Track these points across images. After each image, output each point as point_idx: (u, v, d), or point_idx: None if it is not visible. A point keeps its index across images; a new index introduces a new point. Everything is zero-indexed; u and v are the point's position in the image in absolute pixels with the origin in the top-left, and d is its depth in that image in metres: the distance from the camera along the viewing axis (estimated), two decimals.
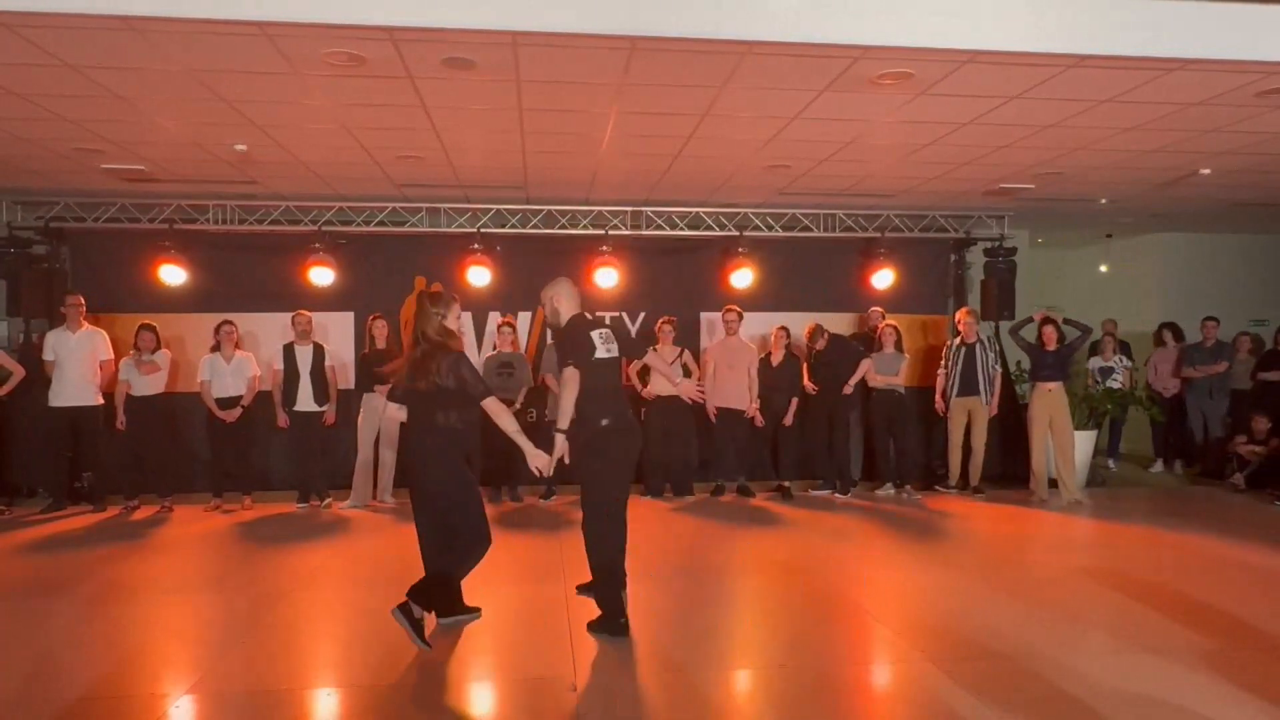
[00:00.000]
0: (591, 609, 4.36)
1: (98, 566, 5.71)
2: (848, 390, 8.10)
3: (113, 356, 7.66)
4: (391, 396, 4.29)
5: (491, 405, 4.13)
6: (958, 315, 8.44)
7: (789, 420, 8.20)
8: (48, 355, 7.54)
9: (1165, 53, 4.73)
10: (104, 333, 7.73)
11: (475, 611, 4.47)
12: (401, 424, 4.35)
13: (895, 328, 8.36)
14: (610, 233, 8.72)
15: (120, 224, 8.34)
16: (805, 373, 8.23)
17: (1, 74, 5.03)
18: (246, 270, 8.54)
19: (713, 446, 8.46)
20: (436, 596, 4.07)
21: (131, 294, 8.30)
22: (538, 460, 4.17)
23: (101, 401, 7.56)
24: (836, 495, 8.16)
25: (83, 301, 7.67)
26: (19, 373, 7.52)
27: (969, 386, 8.17)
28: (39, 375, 7.59)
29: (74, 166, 7.16)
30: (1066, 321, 8.24)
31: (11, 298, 8.17)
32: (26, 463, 7.98)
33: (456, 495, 4.15)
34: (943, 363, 8.37)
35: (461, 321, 4.13)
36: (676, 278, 9.05)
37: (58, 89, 5.28)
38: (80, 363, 7.49)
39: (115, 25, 4.32)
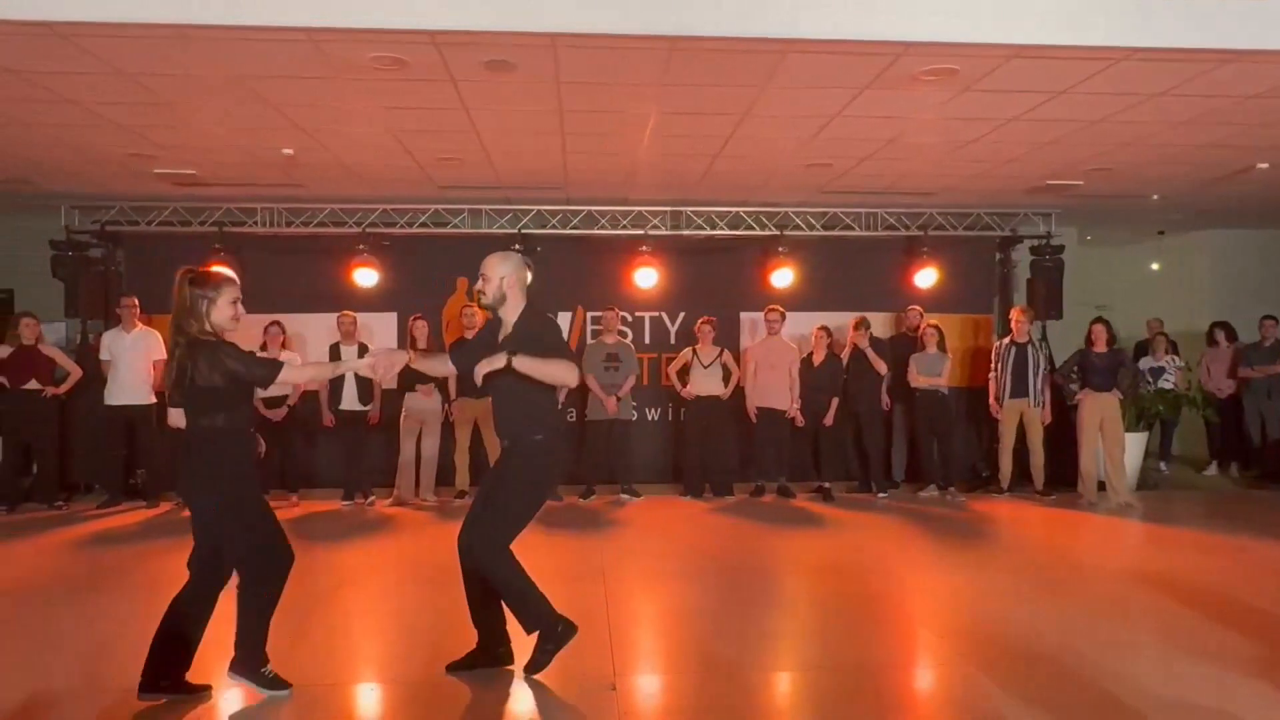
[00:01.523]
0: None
1: (151, 560, 5.86)
2: (828, 421, 8.07)
3: (165, 356, 7.84)
4: (171, 401, 3.62)
5: (288, 375, 3.50)
6: (1013, 313, 8.28)
7: (829, 420, 8.14)
8: (104, 355, 7.77)
9: (1218, 45, 4.60)
10: (157, 333, 7.92)
11: (283, 686, 3.48)
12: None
13: (937, 328, 8.24)
14: (650, 233, 8.72)
15: (172, 227, 8.55)
16: (876, 360, 8.13)
17: (60, 83, 5.19)
18: (293, 272, 8.70)
19: (753, 447, 8.43)
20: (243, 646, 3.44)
21: None
22: (382, 365, 3.61)
23: (155, 400, 7.76)
24: (880, 495, 8.08)
25: (137, 303, 7.88)
26: (76, 372, 7.77)
27: (1021, 388, 8.01)
28: (95, 374, 7.82)
29: (128, 172, 7.36)
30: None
31: (69, 299, 8.42)
32: (83, 459, 8.23)
33: (230, 522, 3.37)
34: (993, 364, 8.23)
35: (239, 308, 3.45)
36: (716, 278, 9.02)
37: (113, 96, 5.44)
38: (134, 362, 7.70)
39: (167, 33, 4.43)
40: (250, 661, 3.45)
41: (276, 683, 3.49)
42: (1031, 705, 3.39)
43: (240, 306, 3.48)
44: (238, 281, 3.54)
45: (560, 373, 3.56)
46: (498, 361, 3.47)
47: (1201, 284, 11.27)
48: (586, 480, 8.00)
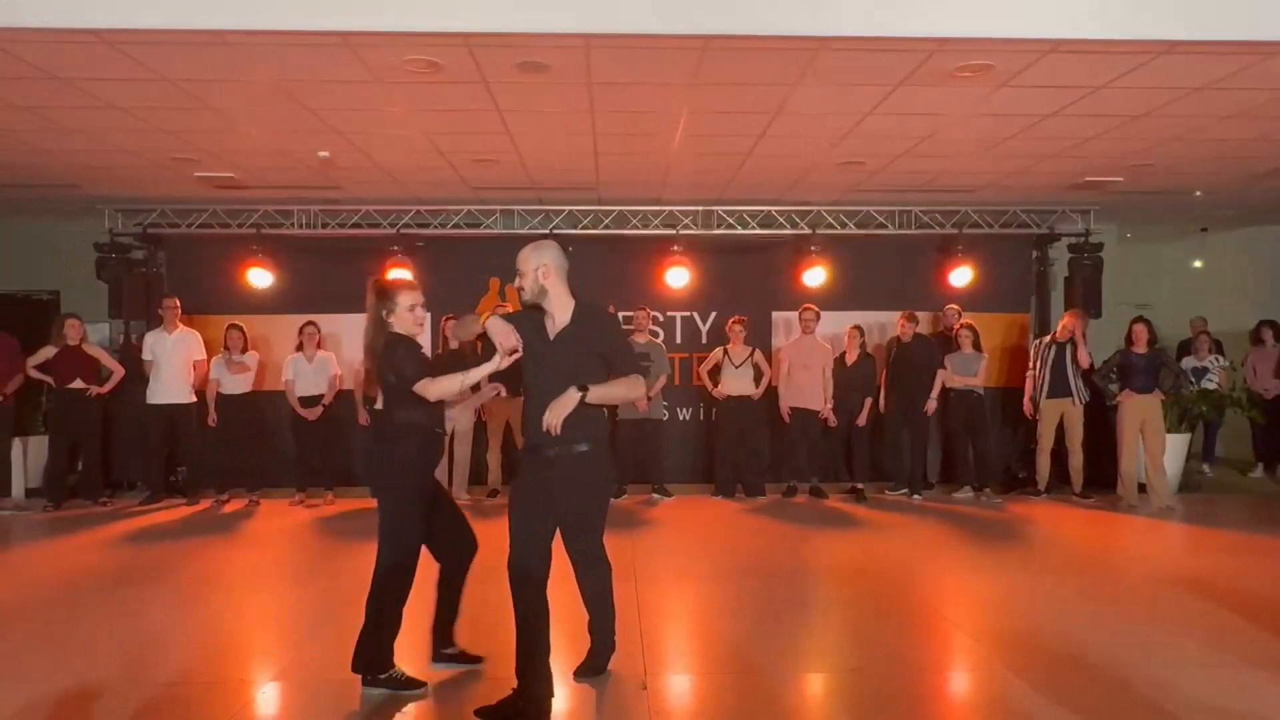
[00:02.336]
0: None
1: (190, 557, 5.98)
2: (930, 408, 8.01)
3: (205, 357, 8.01)
4: (364, 402, 3.75)
5: (423, 388, 3.53)
6: (1066, 316, 8.12)
7: (862, 420, 8.08)
8: (146, 355, 7.93)
9: (1264, 36, 4.49)
10: (198, 334, 8.09)
11: (416, 685, 3.56)
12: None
13: (972, 327, 8.14)
14: (681, 232, 8.72)
15: (212, 229, 8.71)
16: (883, 363, 8.09)
17: (106, 89, 5.31)
18: (329, 272, 8.81)
19: (785, 447, 8.39)
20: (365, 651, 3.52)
21: (222, 296, 8.66)
22: (507, 345, 3.39)
23: (195, 399, 7.92)
24: (915, 496, 8.01)
25: (178, 304, 8.04)
26: (119, 372, 7.95)
27: (1060, 387, 7.89)
28: (138, 374, 7.99)
29: (170, 175, 7.51)
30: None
31: (113, 300, 8.63)
32: (126, 457, 8.43)
33: (395, 519, 3.59)
34: (1031, 362, 8.11)
35: (418, 312, 3.64)
36: (748, 277, 9.00)
37: (156, 102, 5.55)
38: (176, 362, 7.86)
39: (209, 40, 4.51)
40: (372, 666, 3.49)
41: (409, 683, 3.52)
42: (1067, 709, 3.34)
43: (420, 310, 3.65)
44: (417, 285, 3.72)
45: (629, 393, 3.53)
46: (571, 399, 3.29)
47: (1246, 282, 11.00)
48: (618, 480, 8.02)
